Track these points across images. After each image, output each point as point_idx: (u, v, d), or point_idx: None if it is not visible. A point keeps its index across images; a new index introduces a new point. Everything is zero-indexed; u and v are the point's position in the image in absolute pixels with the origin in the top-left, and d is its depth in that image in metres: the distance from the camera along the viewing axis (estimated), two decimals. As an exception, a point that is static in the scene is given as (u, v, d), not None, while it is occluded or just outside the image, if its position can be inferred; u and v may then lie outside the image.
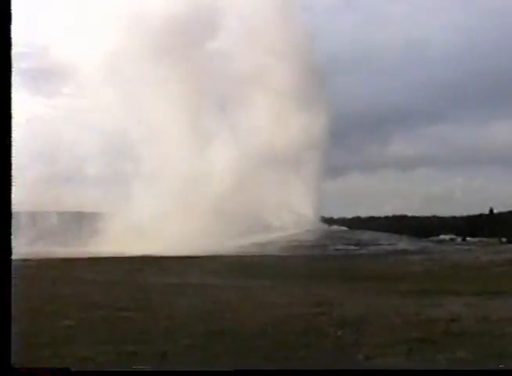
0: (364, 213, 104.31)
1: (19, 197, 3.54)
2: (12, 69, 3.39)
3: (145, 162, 59.73)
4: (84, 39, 59.18)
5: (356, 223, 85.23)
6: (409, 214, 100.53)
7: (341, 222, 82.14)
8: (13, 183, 3.41)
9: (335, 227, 67.05)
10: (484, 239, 69.41)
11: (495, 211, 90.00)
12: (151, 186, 56.97)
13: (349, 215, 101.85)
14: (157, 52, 59.59)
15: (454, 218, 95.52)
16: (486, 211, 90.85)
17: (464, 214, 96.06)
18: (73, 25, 60.29)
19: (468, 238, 73.18)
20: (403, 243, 53.34)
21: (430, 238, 68.73)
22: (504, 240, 63.82)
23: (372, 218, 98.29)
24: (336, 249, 47.99)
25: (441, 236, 73.67)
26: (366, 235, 58.78)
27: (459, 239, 73.24)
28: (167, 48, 59.63)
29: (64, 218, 59.74)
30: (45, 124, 68.11)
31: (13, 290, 3.57)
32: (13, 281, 3.57)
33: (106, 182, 63.50)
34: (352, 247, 49.34)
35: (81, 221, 56.22)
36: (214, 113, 62.76)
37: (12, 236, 3.46)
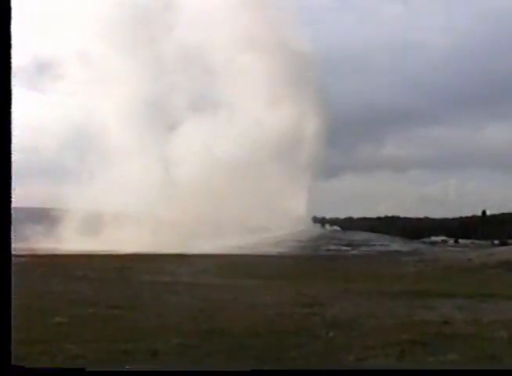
0: (357, 214, 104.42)
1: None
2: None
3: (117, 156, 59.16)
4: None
5: (349, 224, 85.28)
6: (402, 215, 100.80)
7: (334, 222, 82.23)
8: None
9: (327, 227, 67.11)
10: (477, 241, 69.57)
11: (488, 213, 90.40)
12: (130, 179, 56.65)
13: (342, 216, 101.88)
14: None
15: (447, 219, 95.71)
16: (479, 213, 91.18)
17: (457, 215, 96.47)
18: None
19: (461, 240, 73.33)
20: (396, 244, 53.65)
21: (423, 239, 68.94)
22: (497, 242, 63.90)
23: (364, 219, 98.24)
24: (328, 249, 48.05)
25: (434, 238, 73.81)
26: (359, 236, 59.03)
27: (451, 241, 73.40)
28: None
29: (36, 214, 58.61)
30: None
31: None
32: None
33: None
34: (344, 248, 49.41)
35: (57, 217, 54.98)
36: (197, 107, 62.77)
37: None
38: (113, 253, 39.79)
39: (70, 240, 45.60)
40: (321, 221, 72.35)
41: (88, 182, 55.39)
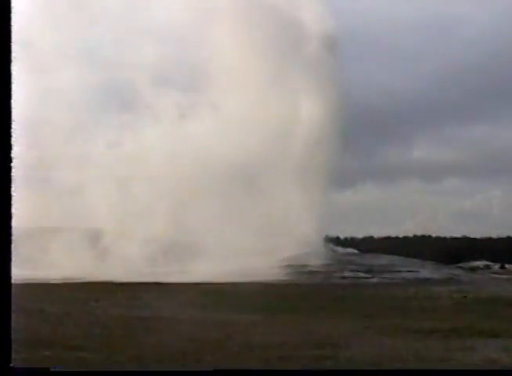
0: (378, 232, 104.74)
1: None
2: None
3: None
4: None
5: (368, 245, 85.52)
6: (435, 234, 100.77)
7: (350, 242, 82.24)
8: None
9: (342, 249, 67.21)
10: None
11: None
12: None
13: (360, 235, 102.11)
14: None
15: (490, 239, 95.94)
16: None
17: (503, 235, 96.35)
18: None
19: (507, 265, 73.54)
20: (426, 270, 53.22)
21: (461, 264, 69.06)
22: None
23: (388, 239, 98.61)
24: (342, 277, 47.91)
25: (474, 263, 73.95)
26: (381, 259, 58.82)
27: (496, 266, 73.57)
28: None
29: None
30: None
31: None
32: None
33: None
34: (363, 275, 49.25)
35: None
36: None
37: None
38: (76, 281, 40.27)
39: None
40: (334, 241, 72.49)
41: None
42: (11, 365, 3.79)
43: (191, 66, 67.60)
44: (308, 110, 62.29)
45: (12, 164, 3.71)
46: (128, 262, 51.03)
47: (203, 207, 57.23)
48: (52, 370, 4.15)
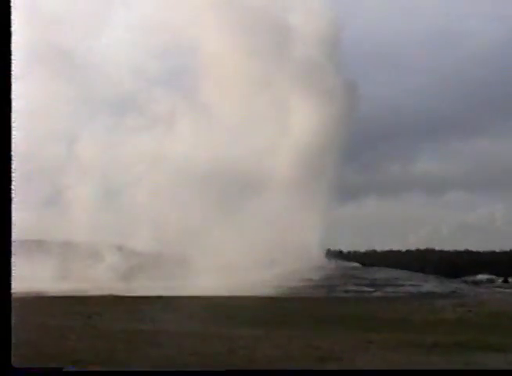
0: (381, 246, 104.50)
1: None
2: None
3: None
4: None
5: (371, 258, 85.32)
6: (438, 247, 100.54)
7: (353, 256, 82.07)
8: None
9: (345, 263, 67.07)
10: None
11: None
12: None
13: (363, 248, 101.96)
14: None
15: (493, 253, 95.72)
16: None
17: (506, 248, 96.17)
18: None
19: (511, 279, 73.34)
20: (430, 284, 53.20)
21: (464, 278, 68.99)
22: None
23: (391, 253, 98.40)
24: (345, 290, 48.05)
25: (478, 276, 73.85)
26: (383, 273, 58.79)
27: (499, 280, 73.42)
28: None
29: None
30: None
31: None
32: None
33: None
34: (366, 289, 49.34)
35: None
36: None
37: None
38: (79, 295, 40.36)
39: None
40: (336, 255, 72.38)
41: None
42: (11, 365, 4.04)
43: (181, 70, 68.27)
44: (307, 120, 62.23)
45: (12, 182, 3.91)
46: (120, 275, 51.48)
47: (200, 218, 57.08)
48: (51, 369, 4.31)
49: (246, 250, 52.61)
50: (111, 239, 59.12)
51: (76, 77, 72.32)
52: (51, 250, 57.39)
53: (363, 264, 69.52)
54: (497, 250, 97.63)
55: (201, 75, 63.26)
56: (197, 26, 62.24)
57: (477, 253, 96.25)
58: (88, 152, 64.24)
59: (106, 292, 41.40)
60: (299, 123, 62.69)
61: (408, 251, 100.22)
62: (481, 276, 74.35)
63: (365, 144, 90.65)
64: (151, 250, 58.00)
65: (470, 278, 71.08)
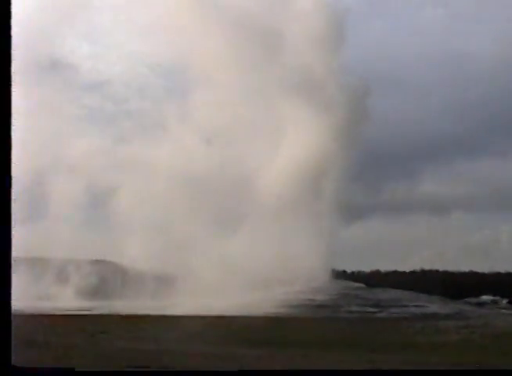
0: (385, 266, 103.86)
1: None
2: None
3: None
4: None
5: (376, 279, 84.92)
6: (442, 268, 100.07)
7: (357, 276, 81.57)
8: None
9: (349, 283, 66.85)
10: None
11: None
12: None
13: (367, 269, 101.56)
14: None
15: (498, 274, 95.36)
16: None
17: (511, 269, 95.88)
18: None
19: (516, 300, 72.92)
20: (434, 305, 53.06)
21: (468, 299, 68.56)
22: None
23: (395, 273, 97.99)
24: (349, 311, 47.88)
25: (482, 298, 73.48)
26: (388, 294, 58.75)
27: (504, 301, 73.04)
28: None
29: None
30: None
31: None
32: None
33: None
34: (370, 309, 49.17)
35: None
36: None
37: None
38: (84, 313, 40.86)
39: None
40: (341, 275, 72.21)
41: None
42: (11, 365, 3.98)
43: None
44: (316, 146, 62.18)
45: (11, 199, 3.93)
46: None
47: (206, 238, 57.02)
48: (51, 369, 4.42)
49: (249, 270, 52.48)
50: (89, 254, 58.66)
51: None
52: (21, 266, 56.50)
53: (367, 284, 69.28)
54: (502, 271, 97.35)
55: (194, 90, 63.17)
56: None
57: (482, 274, 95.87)
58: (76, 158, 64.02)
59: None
60: (298, 139, 62.49)
61: (412, 272, 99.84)
62: (485, 298, 73.96)
63: (369, 164, 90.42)
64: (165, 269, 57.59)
65: (475, 299, 70.66)
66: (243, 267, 52.67)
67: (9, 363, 3.98)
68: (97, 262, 62.69)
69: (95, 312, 41.65)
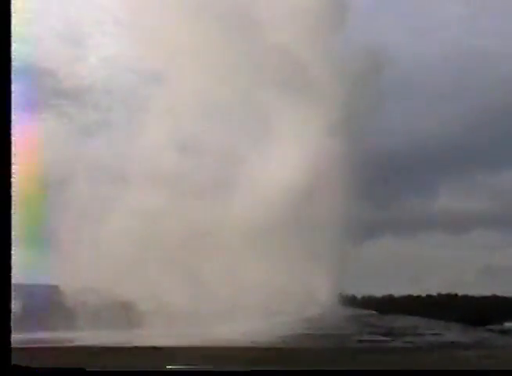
0: (399, 290, 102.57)
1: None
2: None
3: None
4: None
5: (388, 304, 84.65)
6: (461, 292, 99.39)
7: (368, 302, 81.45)
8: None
9: (358, 310, 66.61)
10: None
11: None
12: None
13: (378, 293, 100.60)
14: None
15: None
16: None
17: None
18: None
19: (542, 327, 71.58)
20: (452, 333, 52.27)
21: (490, 326, 67.53)
22: None
23: (409, 298, 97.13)
24: (359, 340, 46.57)
25: (506, 324, 72.37)
26: (401, 321, 58.31)
27: (529, 328, 71.87)
28: None
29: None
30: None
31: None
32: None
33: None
34: (382, 338, 48.21)
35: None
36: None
37: None
38: (69, 345, 41.23)
39: None
40: (350, 300, 72.09)
41: None
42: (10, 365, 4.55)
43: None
44: (321, 158, 61.20)
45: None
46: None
47: (207, 263, 56.20)
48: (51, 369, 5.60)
49: (248, 295, 52.29)
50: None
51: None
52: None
53: (379, 311, 69.12)
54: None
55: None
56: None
57: (506, 298, 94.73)
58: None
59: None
60: (313, 159, 61.65)
61: (428, 296, 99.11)
62: (509, 324, 72.70)
63: (381, 178, 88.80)
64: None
65: (498, 326, 69.39)
66: (242, 294, 52.23)
67: (9, 363, 4.94)
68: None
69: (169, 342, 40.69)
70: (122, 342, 42.22)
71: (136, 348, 38.67)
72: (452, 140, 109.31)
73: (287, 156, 60.81)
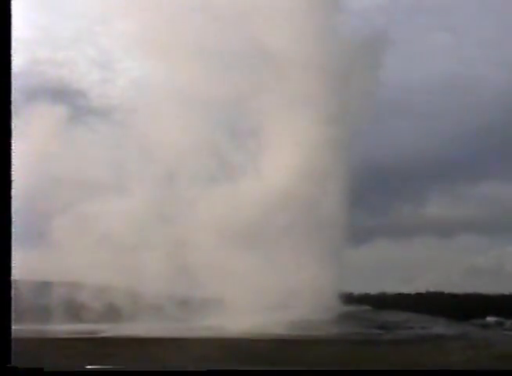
0: (392, 288, 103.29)
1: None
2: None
3: None
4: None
5: (381, 301, 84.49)
6: (448, 290, 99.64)
7: (363, 299, 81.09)
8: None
9: (355, 306, 66.45)
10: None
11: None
12: None
13: (373, 291, 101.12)
14: None
15: (503, 296, 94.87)
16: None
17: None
18: None
19: (521, 322, 72.33)
20: (439, 326, 52.76)
21: (473, 321, 68.16)
22: None
23: (401, 295, 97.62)
24: (355, 333, 47.38)
25: (487, 319, 73.04)
26: (394, 316, 58.68)
27: (508, 322, 72.48)
28: None
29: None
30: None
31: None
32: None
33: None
34: (376, 331, 48.89)
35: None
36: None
37: None
38: (92, 336, 40.80)
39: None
40: (347, 298, 71.82)
41: None
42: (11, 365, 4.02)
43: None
44: (320, 167, 61.34)
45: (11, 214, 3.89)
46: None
47: (212, 260, 56.23)
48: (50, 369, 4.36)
49: (255, 292, 52.32)
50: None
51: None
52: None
53: (374, 307, 68.96)
54: (506, 293, 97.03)
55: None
56: None
57: (487, 296, 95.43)
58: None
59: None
60: (313, 168, 61.47)
61: (418, 294, 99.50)
62: (490, 319, 73.46)
63: (375, 187, 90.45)
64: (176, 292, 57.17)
65: (480, 321, 70.18)
66: (249, 291, 52.22)
67: (9, 363, 3.95)
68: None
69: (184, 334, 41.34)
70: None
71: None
72: (439, 154, 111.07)
73: (285, 162, 60.43)
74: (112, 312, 53.29)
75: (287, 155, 59.64)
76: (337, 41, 62.12)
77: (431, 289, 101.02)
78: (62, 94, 75.16)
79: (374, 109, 66.09)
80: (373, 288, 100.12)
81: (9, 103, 3.89)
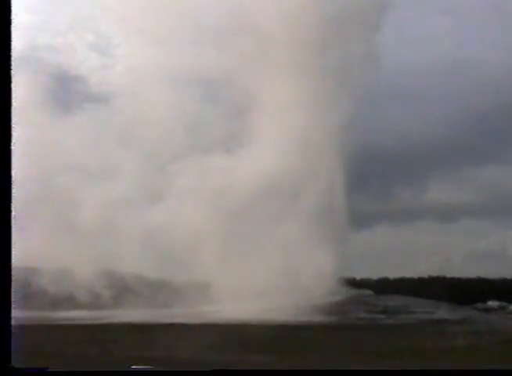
0: (393, 273, 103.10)
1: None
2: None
3: None
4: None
5: (384, 286, 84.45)
6: (450, 274, 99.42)
7: (366, 283, 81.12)
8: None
9: (358, 290, 66.49)
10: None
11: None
12: None
13: (375, 276, 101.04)
14: None
15: (505, 280, 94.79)
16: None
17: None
18: None
19: (523, 306, 72.39)
20: (442, 311, 52.68)
21: (475, 305, 68.20)
22: None
23: (403, 280, 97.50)
24: (358, 318, 47.48)
25: (489, 303, 73.05)
26: (396, 300, 58.41)
27: (510, 307, 72.53)
28: None
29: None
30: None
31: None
32: None
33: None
34: (378, 316, 48.82)
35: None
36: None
37: None
38: (94, 322, 40.32)
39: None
40: (350, 282, 71.82)
41: None
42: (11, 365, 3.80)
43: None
44: (322, 155, 61.56)
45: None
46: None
47: (215, 247, 56.62)
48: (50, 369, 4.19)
49: (259, 277, 52.22)
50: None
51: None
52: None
53: (376, 291, 68.96)
54: (508, 277, 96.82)
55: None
56: None
57: (489, 280, 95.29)
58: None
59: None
60: (316, 157, 61.83)
61: (420, 279, 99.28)
62: (492, 303, 73.53)
63: (376, 173, 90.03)
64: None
65: (482, 305, 70.21)
66: (253, 276, 52.26)
67: (9, 364, 3.80)
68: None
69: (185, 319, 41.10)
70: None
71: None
72: (440, 139, 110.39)
73: (284, 148, 61.14)
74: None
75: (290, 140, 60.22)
76: None
77: (433, 274, 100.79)
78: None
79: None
80: (375, 273, 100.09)
81: (9, 101, 3.69)
